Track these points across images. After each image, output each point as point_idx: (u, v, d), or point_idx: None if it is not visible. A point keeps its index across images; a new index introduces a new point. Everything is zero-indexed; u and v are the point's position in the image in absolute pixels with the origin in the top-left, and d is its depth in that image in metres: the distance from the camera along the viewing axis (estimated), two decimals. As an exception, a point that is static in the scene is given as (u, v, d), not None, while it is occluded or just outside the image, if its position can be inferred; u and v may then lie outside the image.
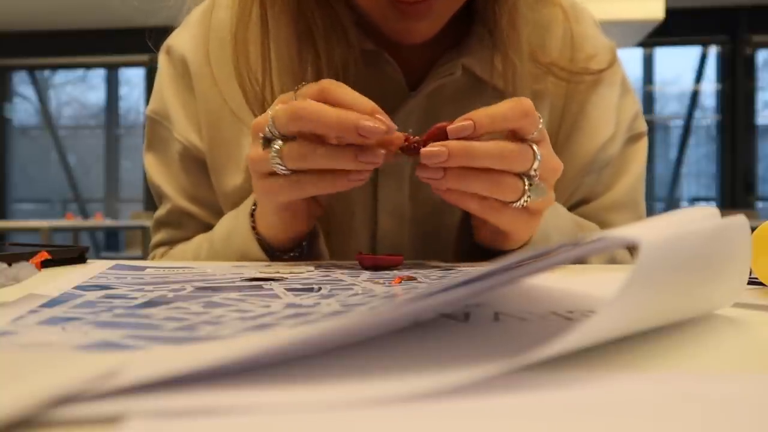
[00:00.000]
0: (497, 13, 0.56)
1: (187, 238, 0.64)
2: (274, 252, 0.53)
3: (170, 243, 0.65)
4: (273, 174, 0.44)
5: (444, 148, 0.41)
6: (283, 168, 0.43)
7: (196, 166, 0.62)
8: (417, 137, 0.43)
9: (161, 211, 0.65)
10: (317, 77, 0.52)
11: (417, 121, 0.57)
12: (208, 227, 0.62)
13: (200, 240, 0.60)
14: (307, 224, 0.51)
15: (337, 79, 0.49)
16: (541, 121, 0.44)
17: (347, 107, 0.41)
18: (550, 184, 0.45)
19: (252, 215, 0.53)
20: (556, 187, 0.60)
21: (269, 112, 0.44)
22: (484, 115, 0.41)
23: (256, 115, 0.54)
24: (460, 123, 0.41)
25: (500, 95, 0.56)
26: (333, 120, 0.40)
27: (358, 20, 0.55)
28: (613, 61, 0.63)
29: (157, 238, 0.66)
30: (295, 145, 0.42)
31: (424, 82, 0.57)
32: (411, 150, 0.43)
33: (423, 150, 0.41)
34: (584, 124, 0.62)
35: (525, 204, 0.43)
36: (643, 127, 0.66)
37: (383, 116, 0.41)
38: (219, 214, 0.60)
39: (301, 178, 0.44)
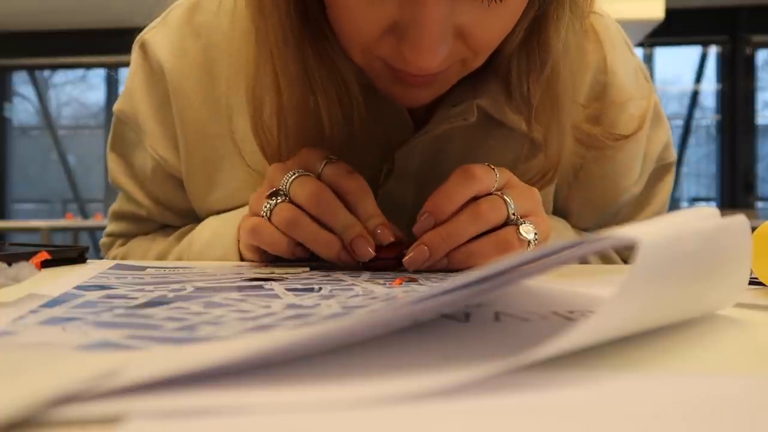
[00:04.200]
0: (529, 86, 0.49)
1: (145, 233, 0.65)
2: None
3: (127, 236, 0.66)
4: (262, 218, 0.45)
5: (423, 246, 0.43)
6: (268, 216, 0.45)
7: (171, 180, 0.62)
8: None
9: (123, 206, 0.65)
10: (318, 125, 0.49)
11: (421, 159, 0.54)
12: (166, 225, 0.63)
13: (169, 241, 0.61)
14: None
15: (339, 128, 0.49)
16: (497, 172, 0.44)
17: (361, 219, 0.44)
18: (538, 215, 0.46)
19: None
20: (571, 222, 0.60)
21: (285, 170, 0.46)
22: (442, 202, 0.43)
23: (268, 160, 0.52)
24: (422, 222, 0.43)
25: (515, 133, 0.53)
26: (339, 226, 0.43)
27: None
28: (644, 119, 0.57)
29: (112, 228, 0.67)
30: (286, 208, 0.44)
31: (432, 122, 0.52)
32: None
33: (405, 260, 0.43)
34: (607, 171, 0.58)
35: (535, 244, 0.44)
36: (672, 157, 0.62)
37: (387, 229, 0.44)
38: (187, 216, 0.61)
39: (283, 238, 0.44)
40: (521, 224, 0.44)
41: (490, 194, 0.44)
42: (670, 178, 0.63)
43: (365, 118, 0.50)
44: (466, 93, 0.52)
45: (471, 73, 0.50)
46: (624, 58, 0.59)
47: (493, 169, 0.45)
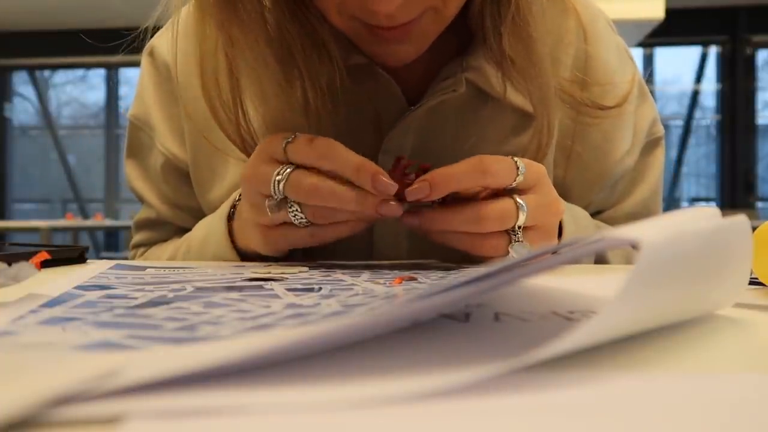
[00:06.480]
0: (501, 34, 0.49)
1: (165, 240, 0.66)
2: (248, 257, 0.53)
3: (149, 244, 0.67)
4: (269, 197, 0.45)
5: (426, 182, 0.42)
6: (303, 219, 0.45)
7: (179, 176, 0.62)
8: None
9: (141, 214, 0.67)
10: (304, 98, 0.49)
11: (415, 136, 0.54)
12: (187, 230, 0.63)
13: (178, 243, 0.61)
14: (290, 248, 0.49)
15: (323, 99, 0.49)
16: (522, 169, 0.44)
17: (346, 172, 0.43)
18: (547, 230, 0.46)
19: (229, 221, 0.53)
20: (571, 200, 0.60)
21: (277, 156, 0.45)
22: (440, 175, 0.43)
23: (233, 140, 0.52)
24: (416, 186, 0.43)
25: (507, 108, 0.54)
26: (350, 203, 0.43)
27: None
28: (629, 93, 0.58)
29: (136, 239, 0.68)
30: (307, 213, 0.44)
31: (424, 97, 0.53)
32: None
33: (408, 190, 0.43)
34: (600, 143, 0.59)
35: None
36: (661, 131, 0.64)
37: (385, 177, 0.42)
38: (198, 216, 0.61)
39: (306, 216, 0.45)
40: (517, 241, 0.44)
41: (506, 194, 0.44)
42: (660, 152, 0.64)
43: (355, 94, 0.51)
44: (455, 68, 0.54)
45: (460, 50, 0.53)
46: (606, 34, 0.61)
47: (518, 166, 0.44)
